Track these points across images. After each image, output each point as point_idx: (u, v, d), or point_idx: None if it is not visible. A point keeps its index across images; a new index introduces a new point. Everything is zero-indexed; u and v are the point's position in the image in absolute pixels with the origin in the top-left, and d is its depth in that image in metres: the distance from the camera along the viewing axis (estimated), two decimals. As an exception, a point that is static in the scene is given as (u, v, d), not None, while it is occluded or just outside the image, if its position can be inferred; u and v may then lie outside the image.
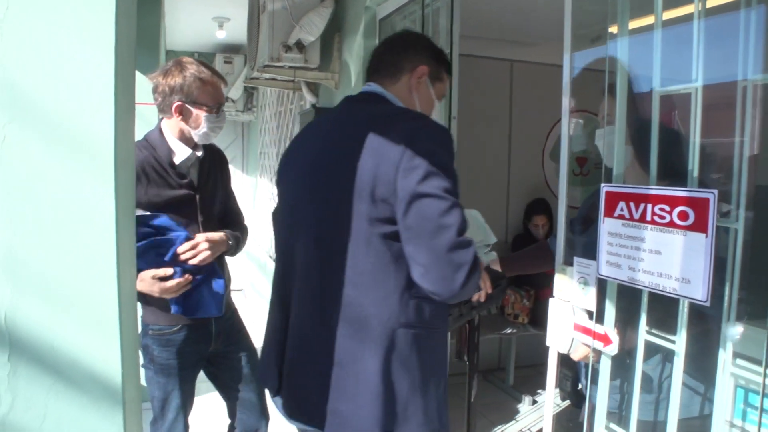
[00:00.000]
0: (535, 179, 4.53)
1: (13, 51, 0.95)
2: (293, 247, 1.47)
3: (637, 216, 1.36)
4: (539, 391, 4.01)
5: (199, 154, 2.10)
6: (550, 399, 1.77)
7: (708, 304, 1.21)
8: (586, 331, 1.56)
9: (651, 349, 1.43)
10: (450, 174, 1.30)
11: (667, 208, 1.29)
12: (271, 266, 5.27)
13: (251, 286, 6.52)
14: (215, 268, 2.06)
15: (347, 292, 1.34)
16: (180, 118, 2.02)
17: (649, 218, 1.33)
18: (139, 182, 1.91)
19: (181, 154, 2.04)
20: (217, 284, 2.04)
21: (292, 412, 1.46)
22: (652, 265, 1.32)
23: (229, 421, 2.31)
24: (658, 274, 1.31)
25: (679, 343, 1.33)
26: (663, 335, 1.37)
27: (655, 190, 1.32)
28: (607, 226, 1.44)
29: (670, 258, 1.28)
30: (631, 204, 1.37)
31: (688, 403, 1.41)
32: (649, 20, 1.37)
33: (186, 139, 2.06)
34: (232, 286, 2.27)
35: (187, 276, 1.93)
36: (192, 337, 2.06)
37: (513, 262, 2.17)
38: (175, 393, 2.05)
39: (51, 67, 0.97)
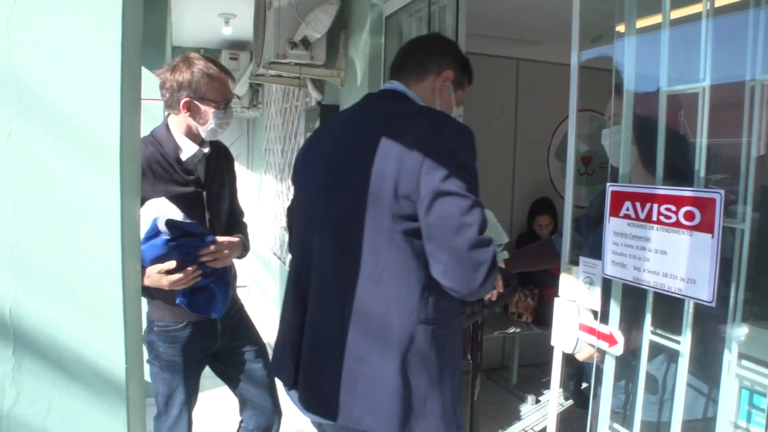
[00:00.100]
0: (540, 178, 4.52)
1: (20, 47, 0.95)
2: (311, 243, 1.48)
3: (642, 216, 1.36)
4: (543, 390, 4.01)
5: (206, 150, 2.10)
6: (555, 398, 1.76)
7: (714, 304, 1.21)
8: (591, 331, 1.55)
9: (655, 350, 1.43)
10: (472, 173, 1.33)
11: (674, 208, 1.28)
12: (275, 263, 5.29)
13: (255, 283, 6.53)
14: (226, 273, 2.06)
15: (367, 288, 1.35)
16: (188, 114, 2.02)
17: (655, 218, 1.32)
18: (146, 178, 1.91)
19: (188, 150, 2.04)
20: (224, 288, 2.04)
21: (309, 405, 1.46)
22: (658, 265, 1.32)
23: (239, 418, 2.29)
24: (663, 275, 1.31)
25: (684, 343, 1.32)
26: (668, 336, 1.36)
27: (661, 190, 1.31)
28: (612, 225, 1.43)
29: (675, 258, 1.28)
30: (637, 204, 1.37)
31: (693, 404, 1.41)
32: (656, 19, 1.36)
33: (193, 136, 2.06)
34: (237, 283, 2.27)
35: (194, 267, 1.93)
36: (197, 334, 2.06)
37: (518, 259, 2.17)
38: (180, 389, 2.05)
39: (57, 62, 0.97)
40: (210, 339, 2.11)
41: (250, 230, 2.32)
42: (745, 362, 1.26)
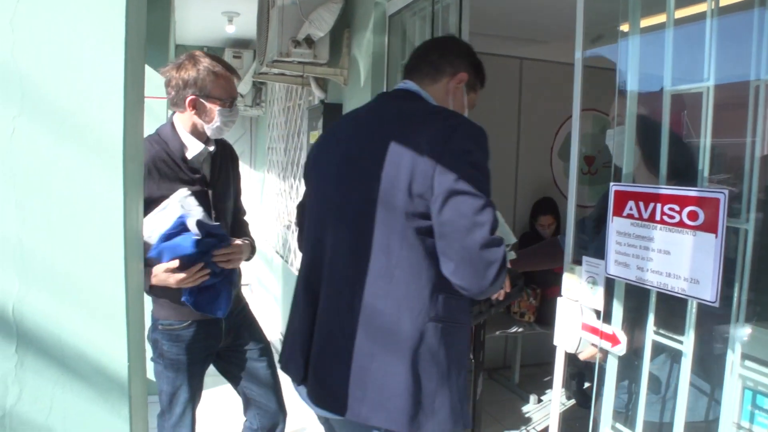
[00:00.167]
0: (543, 177, 4.52)
1: (24, 44, 0.95)
2: (323, 240, 1.48)
3: (646, 215, 1.35)
4: (545, 389, 4.01)
5: (212, 148, 2.10)
6: (557, 398, 1.76)
7: (717, 305, 1.20)
8: (594, 330, 1.55)
9: (658, 350, 1.42)
10: (485, 173, 1.35)
11: (677, 208, 1.28)
12: (277, 261, 5.29)
13: (258, 281, 6.54)
14: (232, 273, 2.07)
15: (378, 285, 1.36)
16: (193, 111, 2.01)
17: (658, 218, 1.32)
18: (151, 177, 1.91)
19: (193, 148, 2.04)
20: (228, 288, 2.05)
21: (317, 399, 1.46)
22: (661, 265, 1.32)
23: (243, 418, 2.29)
24: (666, 274, 1.30)
25: (687, 343, 1.32)
26: (671, 336, 1.36)
27: (665, 190, 1.31)
28: (615, 225, 1.43)
29: (679, 258, 1.27)
30: (641, 203, 1.36)
31: (695, 404, 1.41)
32: (660, 19, 1.36)
33: (198, 134, 2.06)
34: (241, 282, 2.27)
35: (200, 265, 1.93)
36: (202, 333, 2.07)
37: (523, 259, 2.16)
38: (184, 388, 2.06)
39: (61, 60, 0.97)
40: (214, 338, 2.11)
41: (251, 229, 2.33)
42: (748, 363, 1.26)
